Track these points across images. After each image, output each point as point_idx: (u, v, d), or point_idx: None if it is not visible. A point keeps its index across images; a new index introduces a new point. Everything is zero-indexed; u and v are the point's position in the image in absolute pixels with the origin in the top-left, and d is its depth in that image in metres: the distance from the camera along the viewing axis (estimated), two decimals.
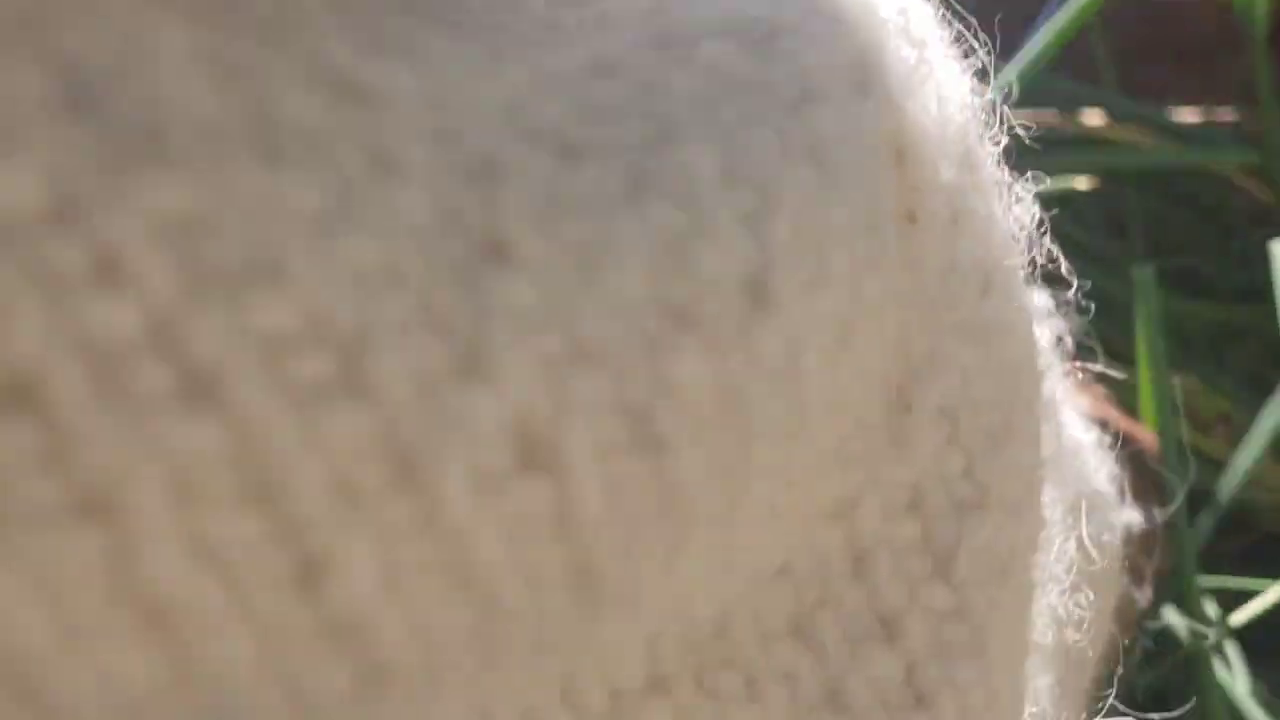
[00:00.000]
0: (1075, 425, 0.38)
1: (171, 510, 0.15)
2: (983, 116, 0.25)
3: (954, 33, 0.24)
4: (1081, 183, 0.55)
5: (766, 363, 0.19)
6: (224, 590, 0.16)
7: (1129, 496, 0.39)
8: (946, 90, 0.23)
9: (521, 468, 0.17)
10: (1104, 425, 0.44)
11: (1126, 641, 0.39)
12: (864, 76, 0.21)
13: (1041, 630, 0.26)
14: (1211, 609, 0.47)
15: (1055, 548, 0.28)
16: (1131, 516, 0.39)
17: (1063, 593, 0.28)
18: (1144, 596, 0.40)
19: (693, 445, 0.19)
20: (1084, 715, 0.35)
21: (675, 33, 0.20)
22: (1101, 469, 0.38)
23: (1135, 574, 0.39)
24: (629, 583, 0.19)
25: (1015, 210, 0.26)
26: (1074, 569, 0.28)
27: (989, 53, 0.25)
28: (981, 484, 0.24)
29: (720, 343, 0.19)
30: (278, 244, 0.16)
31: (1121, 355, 0.47)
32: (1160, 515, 0.41)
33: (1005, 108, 0.25)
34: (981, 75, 0.25)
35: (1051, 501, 0.28)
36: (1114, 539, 0.38)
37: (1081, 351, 0.36)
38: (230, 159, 0.16)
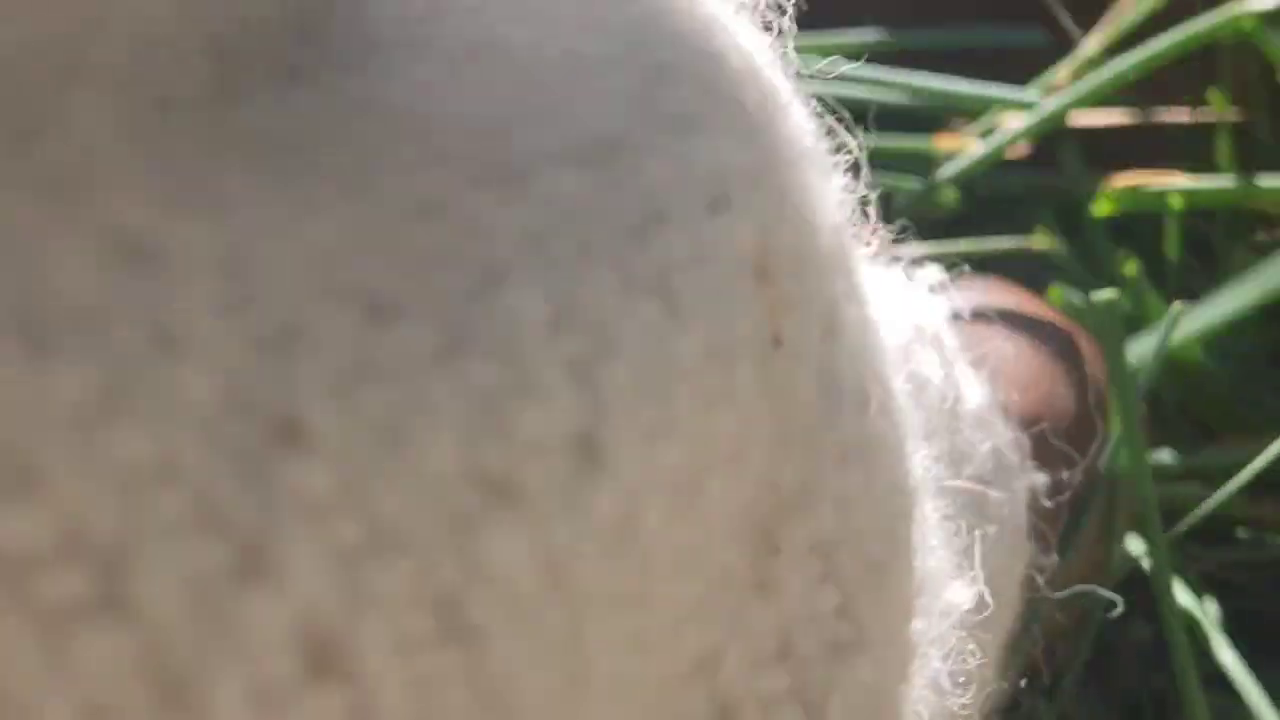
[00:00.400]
0: (974, 390, 0.36)
1: None
2: (860, 213, 0.23)
3: (825, 126, 0.23)
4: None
5: (599, 529, 0.18)
6: None
7: (1032, 459, 0.38)
8: (818, 191, 0.22)
9: (310, 676, 0.16)
10: (1015, 316, 0.42)
11: (1034, 610, 0.38)
12: (721, 189, 0.20)
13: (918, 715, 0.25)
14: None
15: (941, 602, 0.26)
16: (1036, 479, 0.38)
17: (946, 657, 0.26)
18: (1050, 562, 0.38)
19: (513, 631, 0.17)
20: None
21: (510, 163, 0.18)
22: (1002, 432, 0.37)
23: (1040, 540, 0.38)
24: None
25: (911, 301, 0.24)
26: (962, 623, 0.26)
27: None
28: (858, 621, 0.22)
29: (543, 513, 0.17)
30: (34, 445, 0.14)
31: None
32: (1069, 478, 0.39)
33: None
34: (854, 170, 0.23)
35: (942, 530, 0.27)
36: (1018, 511, 0.36)
37: None
38: None
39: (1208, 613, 0.47)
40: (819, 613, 0.21)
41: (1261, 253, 0.52)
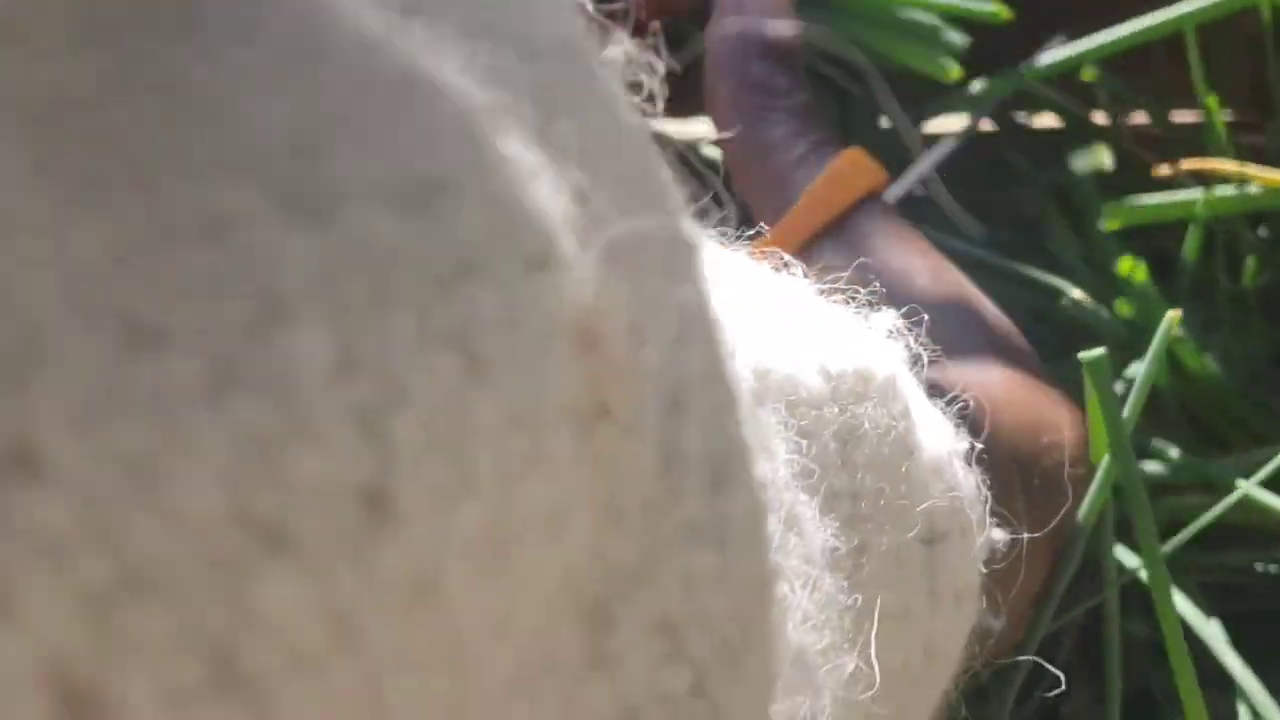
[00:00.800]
0: (935, 438, 0.35)
1: None
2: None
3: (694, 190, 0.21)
4: None
5: (390, 586, 0.17)
6: None
7: (992, 515, 0.37)
8: (674, 261, 0.21)
9: None
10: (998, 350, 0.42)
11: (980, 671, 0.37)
12: (545, 247, 0.19)
13: None
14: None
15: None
16: (997, 535, 0.37)
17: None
18: (998, 624, 0.37)
19: (295, 686, 0.16)
20: None
21: (317, 191, 0.17)
22: (963, 483, 0.35)
23: (991, 601, 0.37)
24: None
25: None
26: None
27: None
28: (713, 702, 0.21)
29: (325, 564, 0.16)
30: None
31: None
32: (1026, 534, 0.38)
33: None
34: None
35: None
36: (972, 580, 0.35)
37: None
38: None
39: (1209, 615, 0.46)
40: (669, 693, 0.20)
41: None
